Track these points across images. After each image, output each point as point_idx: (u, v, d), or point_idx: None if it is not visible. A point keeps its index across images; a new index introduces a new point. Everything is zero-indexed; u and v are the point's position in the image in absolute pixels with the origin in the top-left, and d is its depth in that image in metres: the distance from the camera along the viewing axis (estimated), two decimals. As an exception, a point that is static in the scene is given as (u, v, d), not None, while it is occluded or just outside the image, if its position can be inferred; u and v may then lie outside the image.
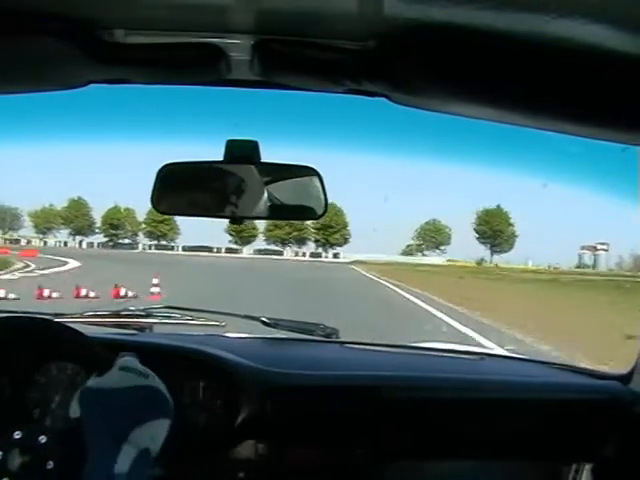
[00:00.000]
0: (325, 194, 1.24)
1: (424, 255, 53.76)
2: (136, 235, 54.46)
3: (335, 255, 52.18)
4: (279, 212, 1.32)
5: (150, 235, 53.52)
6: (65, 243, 52.22)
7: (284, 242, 52.53)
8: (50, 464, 1.03)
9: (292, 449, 1.43)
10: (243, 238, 51.25)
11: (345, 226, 53.15)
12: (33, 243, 49.50)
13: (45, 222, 53.54)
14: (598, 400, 1.50)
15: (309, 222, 49.58)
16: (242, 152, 1.22)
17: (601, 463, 1.47)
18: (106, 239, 53.04)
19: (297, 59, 0.94)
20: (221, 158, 1.21)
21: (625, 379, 1.52)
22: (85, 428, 1.00)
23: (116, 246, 50.22)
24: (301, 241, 53.87)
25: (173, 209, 1.34)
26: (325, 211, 1.24)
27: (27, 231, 53.87)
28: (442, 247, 55.05)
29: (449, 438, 1.47)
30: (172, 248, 51.13)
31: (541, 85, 0.83)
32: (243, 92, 1.19)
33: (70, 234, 53.88)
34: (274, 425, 1.40)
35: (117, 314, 1.66)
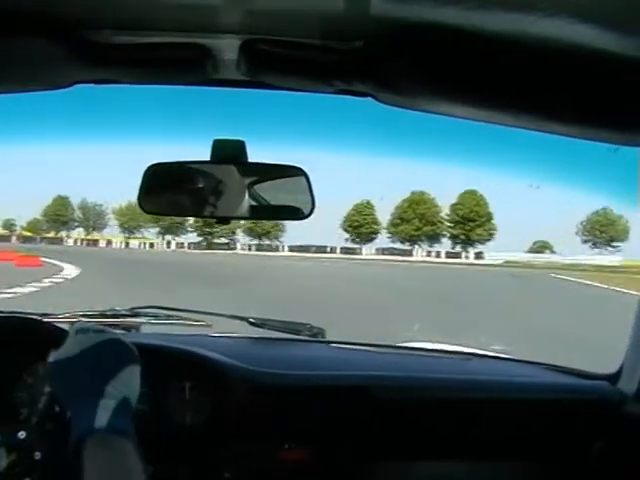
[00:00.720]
0: (312, 194, 1.24)
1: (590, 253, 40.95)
2: (234, 233, 46.30)
3: (478, 255, 42.52)
4: (266, 212, 1.32)
5: (250, 233, 46.09)
6: (151, 244, 46.94)
7: (413, 239, 44.67)
8: (37, 455, 1.03)
9: (279, 449, 1.43)
10: (362, 235, 44.96)
11: (490, 218, 44.28)
12: (115, 245, 45.50)
13: (130, 220, 47.89)
14: (586, 400, 1.51)
15: (444, 214, 45.34)
16: (229, 152, 1.22)
17: (589, 463, 1.48)
18: (200, 238, 46.07)
19: (284, 59, 0.94)
20: (208, 158, 1.22)
21: (613, 379, 1.53)
22: (60, 400, 1.00)
23: (210, 246, 43.78)
24: (434, 238, 45.32)
25: (159, 209, 1.34)
26: (312, 211, 1.24)
27: (112, 230, 49.38)
28: (615, 243, 42.86)
29: (436, 438, 1.48)
30: (277, 248, 44.26)
31: (529, 85, 0.84)
32: (230, 92, 1.19)
33: (159, 233, 48.57)
34: (261, 425, 1.40)
35: (104, 314, 1.65)
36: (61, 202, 49.37)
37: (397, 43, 0.83)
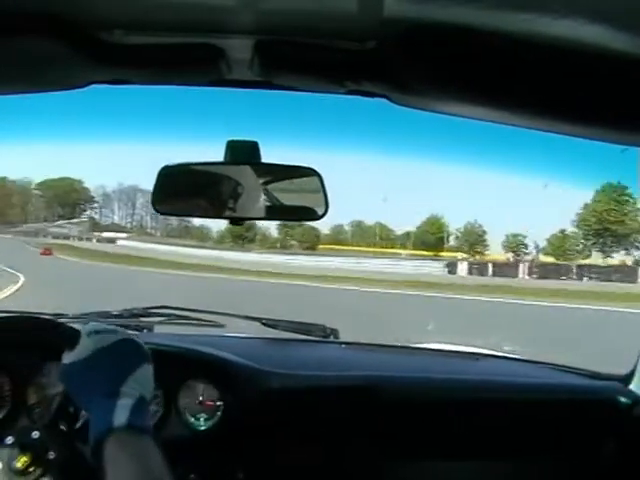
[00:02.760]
0: (326, 194, 1.24)
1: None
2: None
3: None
4: (279, 213, 1.33)
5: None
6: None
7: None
8: (51, 454, 1.04)
9: (291, 449, 1.43)
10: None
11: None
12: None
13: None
14: (598, 401, 1.50)
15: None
16: (242, 153, 1.22)
17: (601, 463, 1.47)
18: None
19: (297, 60, 0.94)
20: (221, 159, 1.22)
21: (625, 380, 1.52)
22: (76, 400, 1.00)
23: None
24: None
25: (173, 210, 1.34)
26: (326, 212, 1.24)
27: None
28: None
29: (446, 438, 1.48)
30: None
31: (542, 86, 0.83)
32: (243, 93, 1.19)
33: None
34: (273, 425, 1.40)
35: (117, 315, 1.66)
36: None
37: (410, 43, 0.83)
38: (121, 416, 0.89)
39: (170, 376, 1.34)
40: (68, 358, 0.99)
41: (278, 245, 45.48)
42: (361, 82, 0.96)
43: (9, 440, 1.04)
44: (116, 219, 62.54)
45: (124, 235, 54.57)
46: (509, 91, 0.85)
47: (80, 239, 49.65)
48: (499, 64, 0.82)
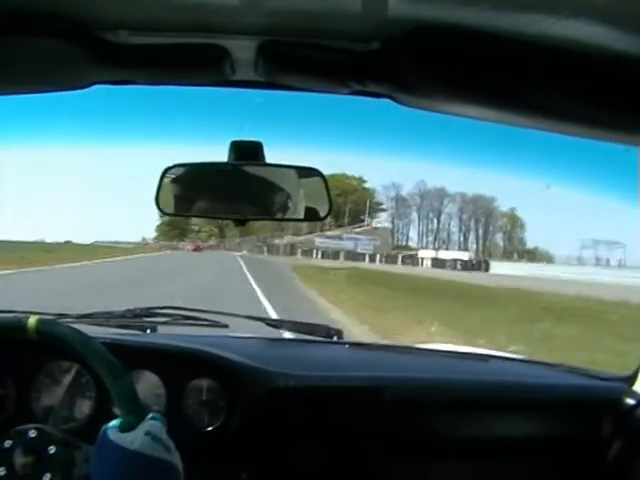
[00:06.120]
0: (329, 195, 1.24)
1: None
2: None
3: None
4: (283, 213, 1.33)
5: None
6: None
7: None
8: (47, 476, 1.03)
9: (296, 449, 1.43)
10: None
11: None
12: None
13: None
14: (602, 401, 1.50)
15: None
16: (246, 153, 1.22)
17: (605, 464, 1.46)
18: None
19: (302, 60, 0.94)
20: (225, 159, 1.22)
21: (629, 381, 1.51)
22: (92, 474, 0.98)
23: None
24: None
25: (177, 210, 1.34)
26: (330, 212, 1.24)
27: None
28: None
29: (453, 439, 1.47)
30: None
31: (546, 87, 0.83)
32: (247, 93, 1.19)
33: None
34: (278, 425, 1.40)
35: (121, 315, 1.66)
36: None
37: (415, 44, 0.82)
38: None
39: (174, 376, 1.34)
40: (115, 437, 0.96)
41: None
42: (365, 83, 0.96)
43: (11, 440, 1.04)
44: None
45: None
46: (513, 91, 0.85)
47: (372, 259, 36.70)
48: (503, 64, 0.81)
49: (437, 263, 37.61)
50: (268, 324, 1.74)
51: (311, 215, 1.29)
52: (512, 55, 0.80)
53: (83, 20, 0.85)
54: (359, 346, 1.73)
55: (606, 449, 1.45)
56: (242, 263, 27.73)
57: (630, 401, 1.46)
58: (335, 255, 38.18)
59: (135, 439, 0.95)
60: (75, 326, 1.10)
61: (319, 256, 38.54)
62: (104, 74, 1.00)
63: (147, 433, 0.96)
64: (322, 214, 1.25)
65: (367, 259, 37.46)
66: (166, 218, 59.29)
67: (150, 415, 1.01)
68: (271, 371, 1.41)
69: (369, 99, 1.06)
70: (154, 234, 62.24)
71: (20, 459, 1.02)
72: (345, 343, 1.73)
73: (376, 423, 1.43)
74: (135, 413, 0.99)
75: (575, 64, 0.79)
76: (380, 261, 37.03)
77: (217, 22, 0.89)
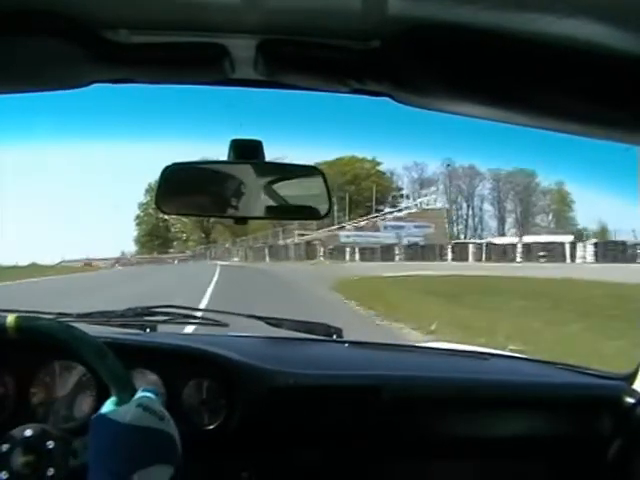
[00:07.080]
0: (329, 194, 1.24)
1: None
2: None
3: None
4: (283, 212, 1.33)
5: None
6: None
7: None
8: (51, 471, 1.03)
9: (296, 448, 1.43)
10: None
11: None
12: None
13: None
14: (602, 400, 1.50)
15: None
16: (246, 152, 1.22)
17: (605, 463, 1.46)
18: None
19: (301, 59, 0.94)
20: (225, 158, 1.22)
21: (629, 379, 1.51)
22: (89, 455, 0.99)
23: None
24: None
25: (177, 209, 1.34)
26: (329, 211, 1.24)
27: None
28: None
29: (453, 438, 1.47)
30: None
31: (546, 85, 0.83)
32: (247, 92, 1.19)
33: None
34: (278, 424, 1.40)
35: (120, 314, 1.66)
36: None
37: (414, 42, 0.82)
38: None
39: (174, 375, 1.35)
40: (109, 412, 0.97)
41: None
42: (365, 81, 0.96)
43: (12, 440, 1.04)
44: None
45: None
46: (513, 90, 0.85)
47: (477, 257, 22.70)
48: (503, 63, 0.81)
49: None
50: (268, 323, 1.74)
51: (311, 213, 1.29)
52: (512, 53, 0.79)
53: (83, 19, 0.85)
54: (359, 345, 1.73)
55: (606, 447, 1.45)
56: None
57: (630, 399, 1.46)
58: (386, 253, 25.93)
59: (127, 412, 0.97)
60: (75, 325, 1.10)
61: (356, 256, 28.27)
62: (104, 73, 1.00)
63: (139, 405, 0.98)
64: (322, 212, 1.25)
65: (471, 257, 22.88)
66: (143, 228, 57.79)
67: (142, 388, 1.03)
68: (271, 370, 1.41)
69: (369, 98, 1.06)
70: (134, 248, 59.24)
71: (21, 459, 1.02)
72: (345, 342, 1.73)
73: (376, 422, 1.43)
74: (126, 389, 1.01)
75: (575, 62, 0.79)
76: (484, 258, 23.50)
77: (217, 21, 0.89)
